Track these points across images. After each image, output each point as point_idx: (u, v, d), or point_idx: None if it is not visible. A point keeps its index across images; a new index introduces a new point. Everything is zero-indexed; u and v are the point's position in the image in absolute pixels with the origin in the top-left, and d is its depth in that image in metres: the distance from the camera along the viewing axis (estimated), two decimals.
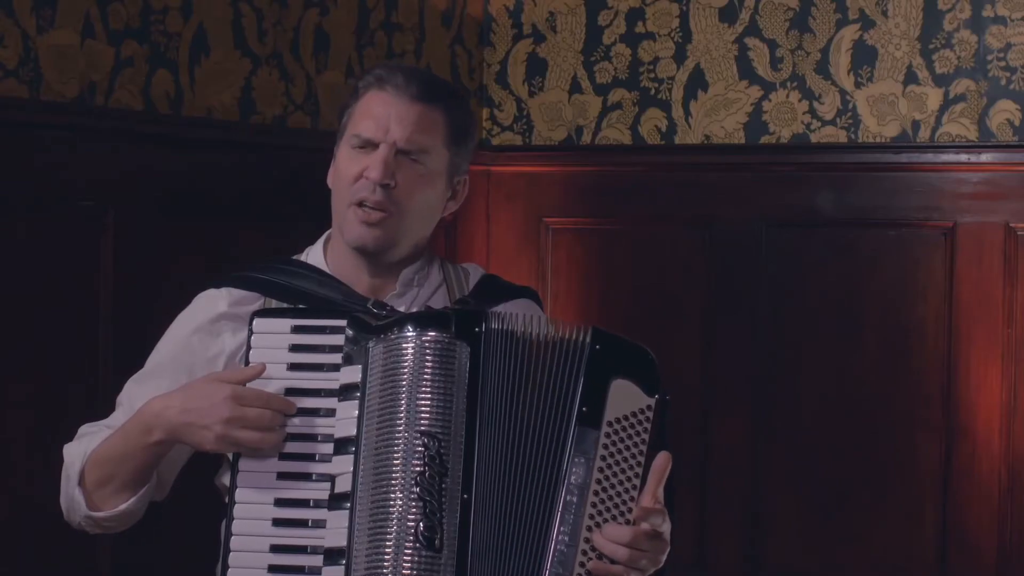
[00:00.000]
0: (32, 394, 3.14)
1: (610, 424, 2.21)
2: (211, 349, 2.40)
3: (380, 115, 2.38)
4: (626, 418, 2.22)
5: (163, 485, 2.39)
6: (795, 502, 4.12)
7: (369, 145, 2.38)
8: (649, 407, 2.23)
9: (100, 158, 3.27)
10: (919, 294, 4.06)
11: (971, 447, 4.00)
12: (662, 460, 2.20)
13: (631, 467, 2.21)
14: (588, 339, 2.23)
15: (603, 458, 2.20)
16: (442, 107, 2.41)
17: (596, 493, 2.19)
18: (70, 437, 2.42)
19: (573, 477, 2.19)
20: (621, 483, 2.21)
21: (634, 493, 2.20)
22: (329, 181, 2.46)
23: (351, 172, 2.39)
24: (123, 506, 2.32)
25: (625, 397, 2.22)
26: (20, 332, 3.12)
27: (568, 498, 2.18)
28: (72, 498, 2.34)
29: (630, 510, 2.19)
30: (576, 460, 2.19)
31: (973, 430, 4.00)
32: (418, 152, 2.38)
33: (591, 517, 2.19)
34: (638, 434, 2.22)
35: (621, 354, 2.24)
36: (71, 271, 3.23)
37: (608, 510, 2.20)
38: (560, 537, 2.18)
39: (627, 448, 2.21)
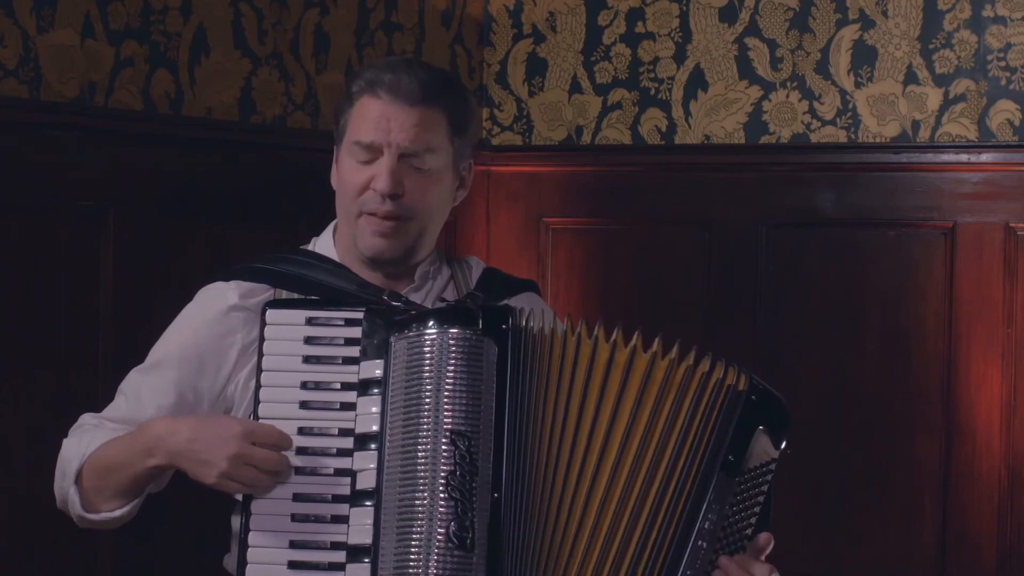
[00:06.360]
0: (32, 393, 3.14)
1: (743, 474, 2.17)
2: (223, 340, 2.36)
3: (379, 120, 2.32)
4: (756, 468, 2.19)
5: (160, 479, 2.37)
6: (795, 502, 4.11)
7: (372, 151, 2.34)
8: (774, 460, 2.20)
9: (100, 158, 3.27)
10: (919, 294, 4.06)
11: (971, 447, 4.00)
12: (765, 540, 2.19)
13: (747, 517, 2.18)
14: (745, 387, 2.22)
15: (731, 505, 2.16)
16: (441, 104, 2.36)
17: (719, 539, 2.16)
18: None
19: (707, 524, 2.15)
20: (739, 531, 2.17)
21: (745, 543, 2.17)
22: (333, 183, 2.42)
23: (356, 182, 2.35)
24: (117, 512, 2.31)
25: (760, 448, 2.19)
26: (20, 332, 3.12)
27: (699, 543, 2.15)
28: (67, 495, 2.33)
29: None
30: (713, 507, 2.16)
31: (973, 430, 4.00)
32: (424, 152, 2.33)
33: (710, 563, 2.15)
34: (759, 486, 2.19)
35: (768, 405, 2.22)
36: (71, 271, 3.23)
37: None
38: None
39: (750, 499, 2.18)
